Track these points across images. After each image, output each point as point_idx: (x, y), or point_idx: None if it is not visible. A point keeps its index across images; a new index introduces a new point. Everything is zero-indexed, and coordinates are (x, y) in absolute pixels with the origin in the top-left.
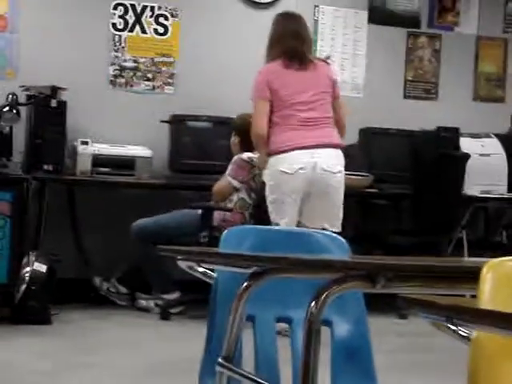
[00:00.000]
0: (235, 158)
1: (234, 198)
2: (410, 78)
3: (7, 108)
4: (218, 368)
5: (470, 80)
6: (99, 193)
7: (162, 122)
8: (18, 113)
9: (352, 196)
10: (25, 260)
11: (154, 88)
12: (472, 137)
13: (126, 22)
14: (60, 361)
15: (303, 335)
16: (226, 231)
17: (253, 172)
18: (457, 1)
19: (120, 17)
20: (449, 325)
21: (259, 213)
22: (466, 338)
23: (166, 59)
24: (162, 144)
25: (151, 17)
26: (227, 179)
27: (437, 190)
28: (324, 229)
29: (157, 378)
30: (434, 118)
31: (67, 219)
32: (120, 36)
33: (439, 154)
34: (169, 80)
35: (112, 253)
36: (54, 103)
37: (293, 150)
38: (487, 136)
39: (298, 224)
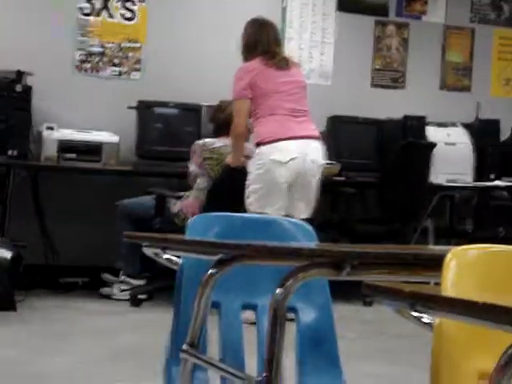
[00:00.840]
0: None
1: (199, 181)
2: (377, 67)
3: None
4: (182, 355)
5: (438, 69)
6: (65, 179)
7: (130, 108)
8: None
9: (320, 184)
10: None
11: (120, 74)
12: (438, 125)
13: (93, 7)
14: (25, 348)
15: (268, 322)
16: (193, 218)
17: (203, 155)
18: None
19: (87, 1)
20: (412, 312)
21: (212, 197)
22: (429, 325)
23: (133, 44)
24: (130, 130)
25: (118, 1)
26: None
27: (403, 178)
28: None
29: (123, 364)
30: (401, 107)
31: (32, 206)
32: (87, 21)
33: (405, 142)
34: (136, 66)
35: (78, 239)
36: (19, 88)
37: (287, 139)
38: (453, 125)
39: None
